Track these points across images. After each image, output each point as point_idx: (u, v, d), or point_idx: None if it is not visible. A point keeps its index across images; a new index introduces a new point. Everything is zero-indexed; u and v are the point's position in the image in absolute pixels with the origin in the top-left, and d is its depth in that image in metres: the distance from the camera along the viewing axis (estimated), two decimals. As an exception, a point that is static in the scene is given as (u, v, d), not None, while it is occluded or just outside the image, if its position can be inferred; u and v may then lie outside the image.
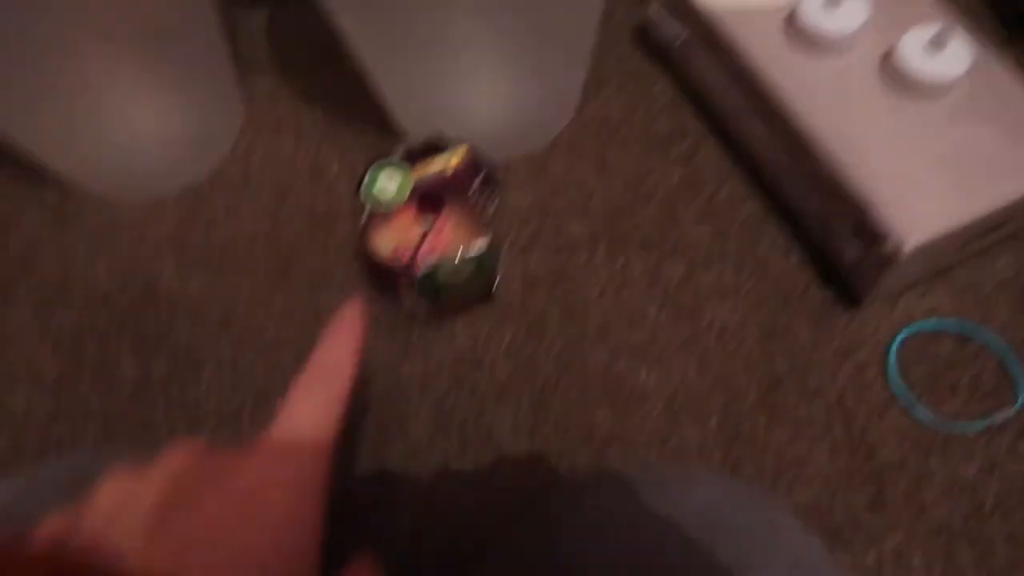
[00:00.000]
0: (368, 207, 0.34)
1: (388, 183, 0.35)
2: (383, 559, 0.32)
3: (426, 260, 0.34)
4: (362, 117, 0.48)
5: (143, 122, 0.43)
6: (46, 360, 0.41)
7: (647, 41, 0.50)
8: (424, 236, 0.34)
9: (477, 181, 0.35)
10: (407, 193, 0.35)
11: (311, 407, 0.20)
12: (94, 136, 0.43)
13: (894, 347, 0.39)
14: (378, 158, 0.36)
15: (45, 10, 0.34)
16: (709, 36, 0.43)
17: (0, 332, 0.42)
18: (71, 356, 0.41)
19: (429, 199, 0.35)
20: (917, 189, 0.36)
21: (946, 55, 0.38)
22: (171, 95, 0.43)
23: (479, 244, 0.34)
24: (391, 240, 0.34)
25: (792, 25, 0.41)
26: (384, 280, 0.38)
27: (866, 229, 0.37)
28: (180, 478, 0.17)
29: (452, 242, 0.34)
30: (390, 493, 0.36)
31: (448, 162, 0.36)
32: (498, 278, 0.40)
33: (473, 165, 0.35)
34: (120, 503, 0.17)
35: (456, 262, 0.34)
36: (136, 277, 0.44)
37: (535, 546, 0.25)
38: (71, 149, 0.43)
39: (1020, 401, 0.37)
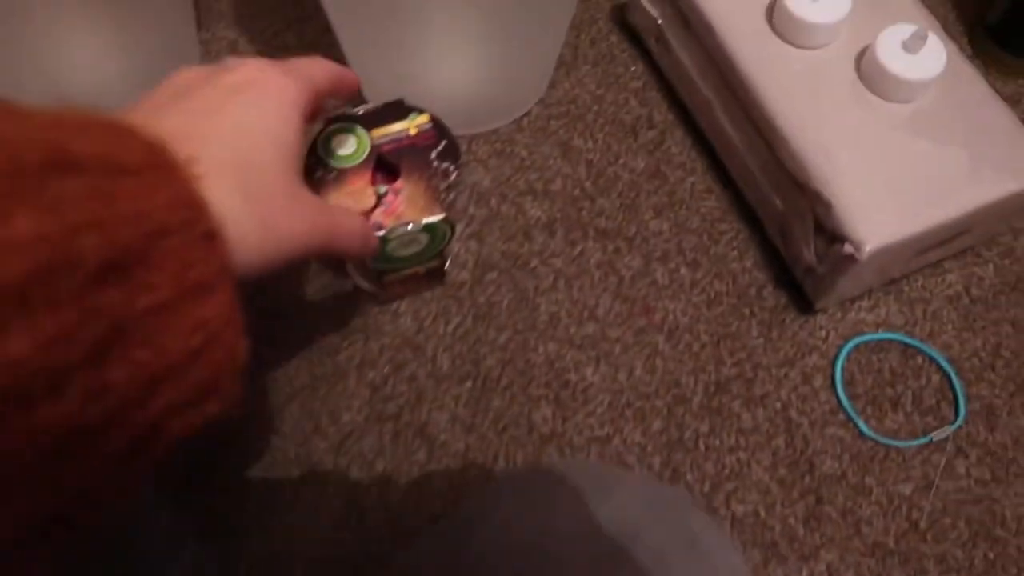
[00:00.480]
0: (319, 169, 0.32)
1: (343, 144, 0.33)
2: (300, 556, 0.30)
3: (377, 227, 0.32)
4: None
5: (97, 72, 0.41)
6: None
7: (624, 21, 0.48)
8: (377, 203, 0.32)
9: (436, 151, 0.33)
10: (363, 157, 0.33)
11: (306, 66, 0.25)
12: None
13: (842, 356, 0.38)
14: (334, 118, 0.34)
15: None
16: (688, 18, 0.41)
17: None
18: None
19: (385, 165, 0.33)
20: (880, 192, 0.36)
21: (920, 57, 0.37)
22: (126, 43, 0.40)
23: (434, 217, 0.32)
24: (342, 204, 0.32)
25: (774, 12, 0.39)
26: None
27: (826, 229, 0.36)
28: (182, 82, 0.22)
29: (405, 212, 0.32)
30: (314, 487, 0.35)
31: (408, 128, 0.34)
32: (449, 259, 0.38)
33: (434, 134, 0.34)
34: (130, 107, 0.21)
35: (408, 231, 0.32)
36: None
37: (444, 549, 0.24)
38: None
39: (959, 420, 0.37)
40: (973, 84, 0.38)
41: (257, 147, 0.22)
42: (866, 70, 0.38)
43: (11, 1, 0.35)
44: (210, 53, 0.47)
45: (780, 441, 0.37)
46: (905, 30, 0.37)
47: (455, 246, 0.40)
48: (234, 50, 0.47)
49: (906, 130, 0.37)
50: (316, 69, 0.26)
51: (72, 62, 0.40)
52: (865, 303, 0.40)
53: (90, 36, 0.39)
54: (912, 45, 0.36)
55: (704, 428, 0.37)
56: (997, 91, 0.39)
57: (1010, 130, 0.37)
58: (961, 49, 0.48)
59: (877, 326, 0.39)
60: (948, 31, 0.48)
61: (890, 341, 0.39)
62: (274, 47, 0.47)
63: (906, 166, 0.36)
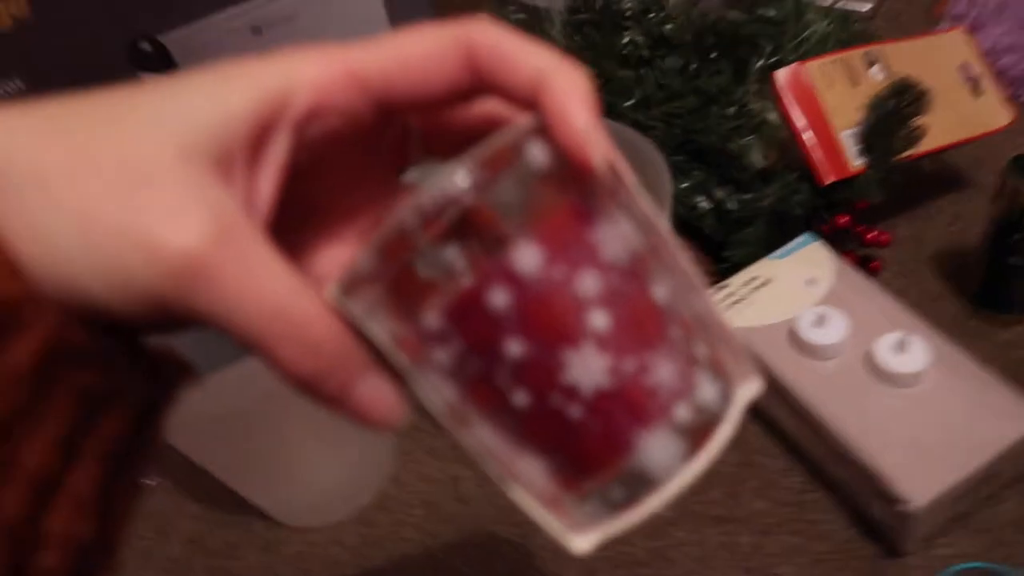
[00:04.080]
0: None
1: None
2: None
3: None
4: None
5: (327, 467, 0.59)
6: (269, 672, 0.54)
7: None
8: None
9: None
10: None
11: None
12: (292, 485, 0.59)
13: (937, 589, 0.48)
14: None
15: (278, 408, 0.51)
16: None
17: (233, 651, 0.55)
18: (289, 666, 0.54)
19: None
20: (915, 457, 0.48)
21: (911, 353, 0.51)
22: (345, 444, 0.59)
23: None
24: None
25: (792, 337, 0.55)
26: None
27: (883, 494, 0.48)
28: None
29: None
30: None
31: None
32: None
33: None
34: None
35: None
36: (329, 593, 0.57)
37: None
38: (277, 493, 0.59)
39: (1052, 627, 0.45)
40: (959, 360, 0.52)
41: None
42: (873, 368, 0.52)
43: (280, 444, 0.55)
44: (402, 435, 0.65)
45: (906, 672, 0.45)
46: (895, 336, 0.52)
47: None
48: (417, 429, 0.65)
49: (920, 407, 0.50)
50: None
51: (315, 471, 0.59)
52: (943, 540, 0.50)
53: (325, 450, 0.58)
54: (900, 348, 0.51)
55: (841, 670, 0.46)
56: (997, 338, 0.52)
57: (1000, 388, 0.50)
58: (957, 315, 0.62)
59: (960, 558, 0.49)
60: (945, 301, 0.63)
61: (975, 568, 0.49)
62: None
63: (930, 434, 0.49)
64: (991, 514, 0.51)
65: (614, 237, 0.19)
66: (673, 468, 0.20)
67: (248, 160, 0.17)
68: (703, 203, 0.64)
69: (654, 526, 0.55)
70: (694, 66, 0.65)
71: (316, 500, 0.60)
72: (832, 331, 0.54)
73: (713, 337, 0.21)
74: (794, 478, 0.55)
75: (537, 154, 0.18)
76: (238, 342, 0.17)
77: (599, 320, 0.18)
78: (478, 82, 0.18)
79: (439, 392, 0.19)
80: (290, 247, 0.19)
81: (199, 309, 0.16)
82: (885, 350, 0.52)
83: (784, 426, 0.56)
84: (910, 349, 0.51)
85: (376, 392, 0.19)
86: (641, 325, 0.19)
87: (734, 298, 0.60)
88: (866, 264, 0.65)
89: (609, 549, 0.54)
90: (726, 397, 0.21)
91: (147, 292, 0.15)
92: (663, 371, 0.19)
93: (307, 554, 0.60)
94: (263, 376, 0.49)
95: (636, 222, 0.20)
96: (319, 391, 0.18)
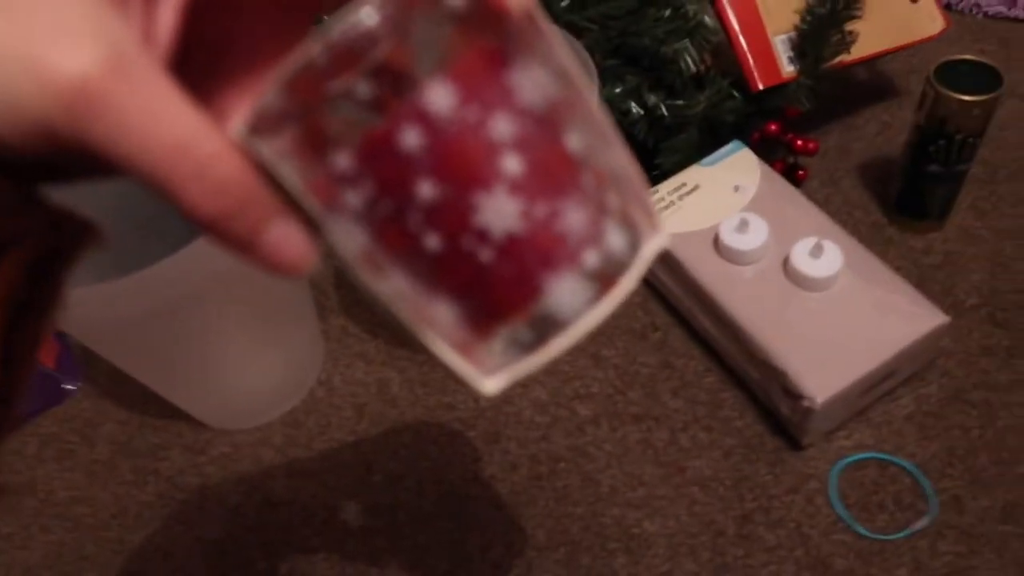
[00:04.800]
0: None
1: None
2: None
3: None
4: (413, 341, 0.63)
5: (254, 371, 0.59)
6: (196, 567, 0.55)
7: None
8: None
9: None
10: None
11: None
12: (218, 386, 0.58)
13: (833, 477, 0.51)
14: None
15: (201, 311, 0.50)
16: (664, 257, 0.59)
17: (158, 545, 0.56)
18: (217, 561, 0.55)
19: None
20: (822, 358, 0.50)
21: (825, 258, 0.53)
22: (272, 347, 0.59)
23: None
24: None
25: (716, 243, 0.56)
26: None
27: (790, 391, 0.50)
28: None
29: None
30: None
31: None
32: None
33: None
34: None
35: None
36: (257, 492, 0.58)
37: None
38: (202, 397, 0.59)
39: (932, 511, 0.49)
40: (871, 265, 0.54)
41: None
42: (791, 273, 0.54)
43: (206, 348, 0.54)
44: (329, 337, 0.65)
45: (799, 552, 0.49)
46: (810, 242, 0.53)
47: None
48: (346, 333, 0.65)
49: (830, 309, 0.52)
50: None
51: (245, 377, 0.59)
52: (842, 432, 0.53)
53: (255, 356, 0.58)
54: (815, 252, 0.53)
55: (740, 552, 0.49)
56: (910, 245, 0.54)
57: (906, 291, 0.52)
58: (876, 222, 0.64)
59: (855, 449, 0.52)
60: (865, 208, 0.65)
61: (867, 459, 0.52)
62: (373, 323, 0.65)
63: (837, 335, 0.51)
64: (887, 409, 0.54)
65: (530, 83, 0.19)
66: (580, 312, 0.20)
67: None
68: (635, 109, 0.63)
69: (575, 424, 0.56)
70: (632, -37, 0.63)
71: (242, 403, 0.60)
72: (753, 237, 0.55)
73: (624, 189, 0.21)
74: (710, 378, 0.57)
75: None
76: (138, 180, 0.16)
77: (511, 164, 0.19)
78: None
79: (351, 237, 0.19)
80: (196, 92, 0.18)
81: (93, 141, 0.15)
82: (801, 255, 0.53)
83: (704, 329, 0.58)
84: (825, 254, 0.53)
85: (287, 236, 0.18)
86: (553, 172, 0.19)
87: (663, 204, 0.60)
88: (793, 172, 0.66)
89: (532, 446, 0.56)
90: (633, 247, 0.21)
91: (38, 120, 0.14)
92: (573, 217, 0.20)
93: (234, 454, 0.60)
94: (186, 278, 0.48)
95: (553, 71, 0.20)
96: (226, 234, 0.17)
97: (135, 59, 0.15)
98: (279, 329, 0.58)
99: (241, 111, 0.20)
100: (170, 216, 0.59)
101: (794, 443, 0.53)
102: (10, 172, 0.15)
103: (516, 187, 0.19)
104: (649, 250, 0.21)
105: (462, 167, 0.18)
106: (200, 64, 0.19)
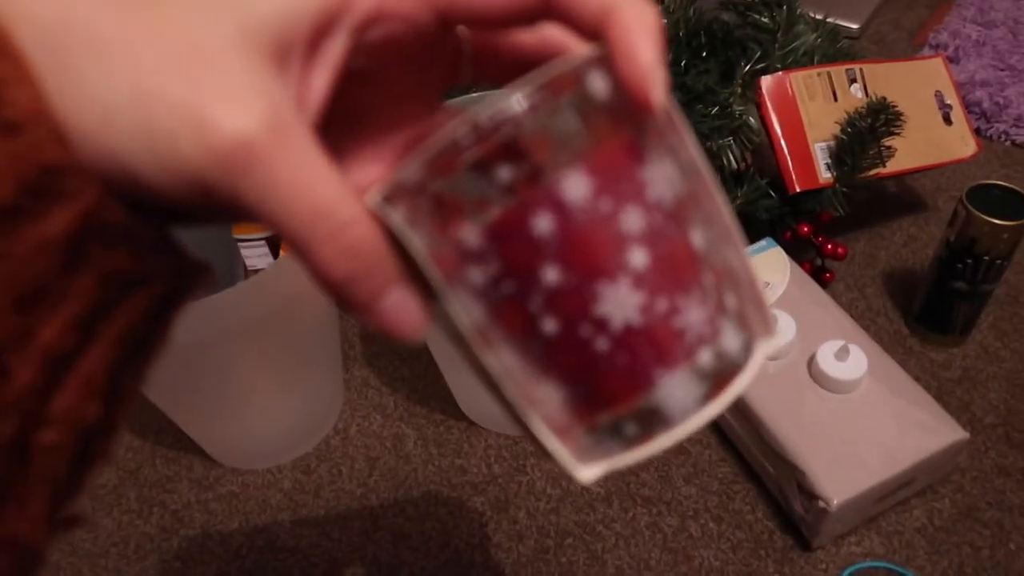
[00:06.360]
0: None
1: None
2: None
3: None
4: (432, 400, 0.64)
5: (273, 413, 0.59)
6: (194, 603, 0.54)
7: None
8: None
9: None
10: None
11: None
12: (236, 423, 0.59)
13: (842, 585, 0.51)
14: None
15: (230, 349, 0.51)
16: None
17: (159, 580, 0.56)
18: (214, 600, 0.54)
19: None
20: (840, 459, 0.50)
21: (850, 361, 0.54)
22: (294, 392, 0.60)
23: None
24: None
25: (743, 336, 0.57)
26: None
27: (805, 490, 0.50)
28: None
29: None
30: None
31: None
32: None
33: None
34: None
35: None
36: (260, 535, 0.58)
37: None
38: (218, 433, 0.59)
39: (942, 630, 0.48)
40: (894, 373, 0.55)
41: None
42: (815, 373, 0.55)
43: (227, 388, 0.55)
44: (350, 387, 0.66)
45: (804, 658, 0.48)
46: (836, 344, 0.54)
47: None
48: (367, 384, 0.66)
49: (851, 413, 0.53)
50: None
51: (264, 418, 0.59)
52: (853, 538, 0.53)
53: (274, 397, 0.59)
54: (841, 355, 0.54)
55: (744, 651, 0.48)
56: (931, 357, 0.54)
57: (927, 403, 0.53)
58: (898, 331, 0.65)
59: (864, 556, 0.52)
60: (888, 316, 0.66)
61: (877, 567, 0.51)
62: (394, 378, 0.66)
63: (857, 439, 0.51)
64: (899, 519, 0.54)
65: (661, 178, 0.19)
66: (688, 411, 0.20)
67: (305, 56, 0.17)
68: (673, 195, 0.65)
69: (586, 500, 0.56)
70: (683, 63, 0.66)
71: (256, 444, 0.60)
72: (780, 334, 0.56)
73: (742, 289, 0.21)
74: (725, 469, 0.58)
75: (598, 85, 0.18)
76: (276, 235, 0.17)
77: (638, 257, 0.19)
78: (544, 5, 0.18)
79: (468, 311, 0.19)
80: (329, 152, 0.19)
81: (244, 197, 0.15)
82: (827, 356, 0.54)
83: (723, 420, 0.58)
84: (851, 358, 0.53)
85: (403, 304, 0.19)
86: (677, 268, 0.19)
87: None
88: (820, 274, 0.67)
89: (541, 517, 0.55)
90: (748, 348, 0.21)
91: (194, 173, 0.15)
92: (693, 315, 0.20)
93: (241, 494, 0.60)
94: (224, 314, 0.49)
95: (683, 166, 0.20)
96: (349, 295, 0.18)
97: (291, 123, 0.16)
98: (304, 375, 0.59)
99: (374, 177, 0.21)
100: (214, 258, 0.60)
101: (804, 543, 0.53)
102: (150, 213, 0.16)
103: (640, 280, 0.19)
104: (763, 353, 0.21)
105: (589, 256, 0.18)
106: (335, 124, 0.20)
